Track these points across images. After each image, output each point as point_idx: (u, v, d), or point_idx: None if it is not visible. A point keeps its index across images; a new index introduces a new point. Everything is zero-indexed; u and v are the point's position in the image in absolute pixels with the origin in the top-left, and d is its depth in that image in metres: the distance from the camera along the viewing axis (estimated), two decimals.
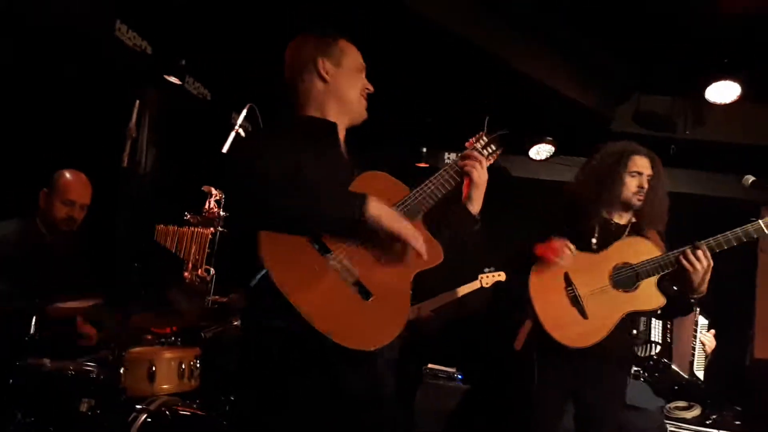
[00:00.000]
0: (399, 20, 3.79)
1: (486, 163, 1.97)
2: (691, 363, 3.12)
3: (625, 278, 2.61)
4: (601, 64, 4.39)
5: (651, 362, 2.81)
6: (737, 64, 3.98)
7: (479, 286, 4.18)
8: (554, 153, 5.17)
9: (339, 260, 1.65)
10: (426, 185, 1.85)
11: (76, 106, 3.67)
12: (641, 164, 2.65)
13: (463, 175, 1.92)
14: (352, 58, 1.92)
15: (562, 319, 2.51)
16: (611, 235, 2.64)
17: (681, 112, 4.69)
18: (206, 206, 3.62)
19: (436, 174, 1.90)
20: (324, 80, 1.88)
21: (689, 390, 3.13)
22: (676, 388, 4.19)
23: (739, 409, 4.54)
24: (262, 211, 1.62)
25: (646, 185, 2.61)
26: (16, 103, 3.35)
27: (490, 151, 2.01)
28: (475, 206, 1.96)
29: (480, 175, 1.92)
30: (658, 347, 2.83)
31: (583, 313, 2.54)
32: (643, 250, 2.65)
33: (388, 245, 1.68)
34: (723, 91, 4.13)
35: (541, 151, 5.21)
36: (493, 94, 4.71)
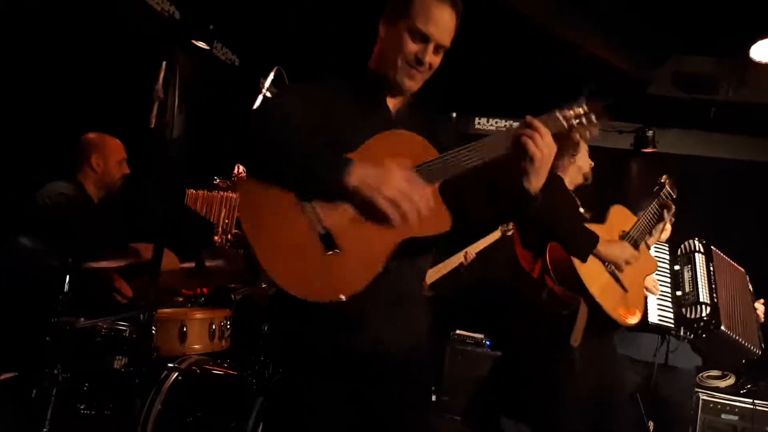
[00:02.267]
0: None
1: (575, 134, 1.75)
2: (758, 335, 3.04)
3: (632, 245, 2.59)
4: (638, 26, 4.21)
5: (702, 323, 2.74)
6: None
7: (498, 236, 4.09)
8: None
9: (314, 209, 1.60)
10: (459, 151, 1.67)
11: (103, 71, 3.68)
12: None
13: (517, 146, 1.66)
14: (415, 18, 1.68)
15: (614, 296, 2.48)
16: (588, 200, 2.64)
17: (723, 73, 4.49)
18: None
19: (482, 140, 1.69)
20: (380, 36, 1.78)
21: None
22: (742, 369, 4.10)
23: None
24: (251, 157, 1.64)
25: None
26: (43, 65, 3.38)
27: (584, 121, 1.76)
28: (534, 182, 1.68)
29: (539, 146, 1.64)
30: (708, 308, 2.76)
31: (623, 287, 2.51)
32: (627, 214, 2.68)
33: (373, 209, 1.58)
34: None
35: None
36: (524, 57, 4.60)
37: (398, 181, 1.58)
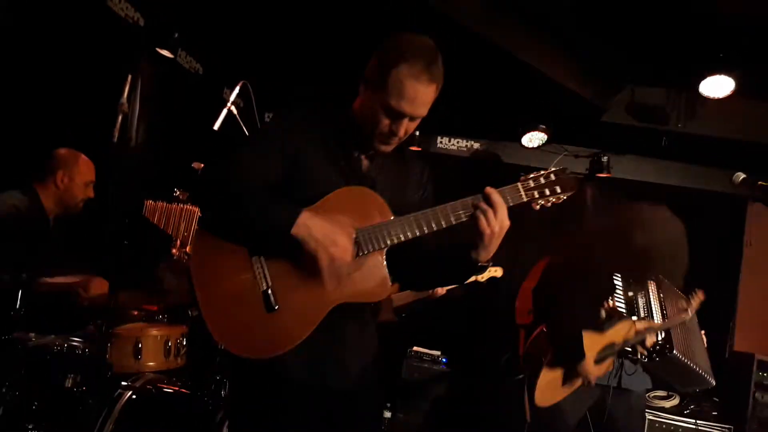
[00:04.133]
0: (397, 3, 3.75)
1: (535, 205, 1.70)
2: (710, 366, 3.18)
3: (604, 356, 2.76)
4: (597, 54, 4.37)
5: (657, 347, 2.85)
6: (732, 59, 3.97)
7: (475, 279, 4.17)
8: (546, 141, 5.17)
9: (261, 264, 1.65)
10: (408, 218, 1.68)
11: (65, 79, 3.60)
12: None
13: (470, 217, 1.66)
14: (389, 97, 1.65)
15: (549, 388, 2.66)
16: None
17: (674, 104, 4.69)
18: None
19: (437, 207, 1.69)
20: (360, 94, 1.77)
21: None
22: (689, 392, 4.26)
23: (716, 400, 4.64)
24: (207, 205, 1.71)
25: None
26: (4, 76, 3.29)
27: (549, 193, 1.70)
28: (482, 255, 1.68)
29: (489, 223, 1.63)
30: (663, 333, 2.88)
31: (563, 382, 2.70)
32: (628, 329, 2.84)
33: (314, 267, 1.62)
34: (717, 86, 4.13)
35: (533, 139, 5.20)
36: (487, 80, 4.69)
37: (345, 243, 1.62)
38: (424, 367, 4.91)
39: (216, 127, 3.26)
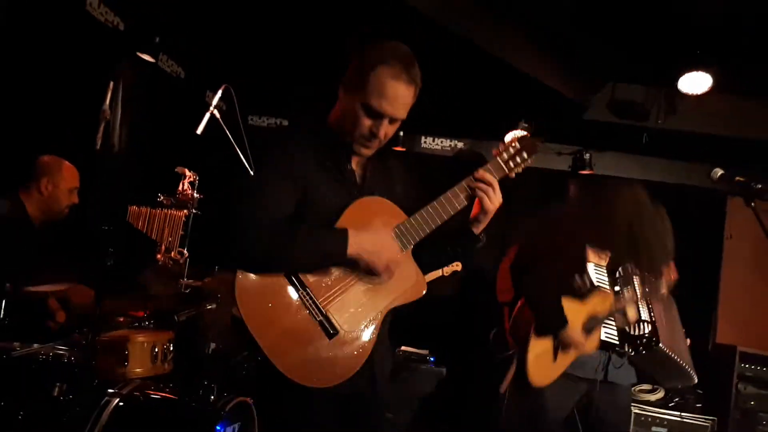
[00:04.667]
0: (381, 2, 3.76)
1: (512, 174, 1.86)
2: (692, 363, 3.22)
3: (591, 328, 2.81)
4: (578, 53, 4.41)
5: (643, 340, 2.90)
6: (709, 55, 4.04)
7: (441, 275, 4.26)
8: None
9: (311, 296, 1.67)
10: (426, 211, 1.78)
11: (46, 85, 3.57)
12: None
13: (472, 197, 1.82)
14: (370, 97, 1.68)
15: (541, 363, 2.66)
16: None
17: (654, 101, 4.75)
18: (180, 188, 3.57)
19: (440, 198, 1.80)
20: (339, 100, 1.79)
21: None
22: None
23: (700, 392, 4.71)
24: (240, 257, 1.66)
25: None
26: None
27: (519, 160, 1.87)
28: (481, 227, 1.87)
29: (492, 201, 1.81)
30: (649, 326, 2.92)
31: (555, 355, 2.72)
32: (607, 300, 2.87)
33: (365, 279, 1.70)
34: (695, 82, 4.20)
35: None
36: (470, 80, 4.72)
37: (390, 246, 1.70)
38: (412, 366, 4.92)
39: (199, 131, 3.26)
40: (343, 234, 1.66)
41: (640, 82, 4.78)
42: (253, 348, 1.63)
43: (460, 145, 5.78)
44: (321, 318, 1.66)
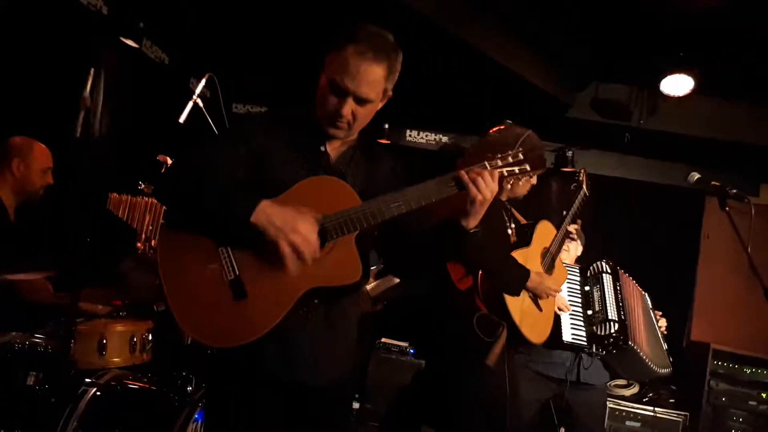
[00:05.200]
0: None
1: (494, 181, 1.74)
2: (665, 354, 3.25)
3: (549, 263, 2.76)
4: (562, 51, 4.44)
5: (611, 340, 2.92)
6: (691, 58, 4.09)
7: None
8: None
9: (228, 254, 1.66)
10: (377, 201, 1.70)
11: (25, 69, 3.51)
12: None
13: (458, 188, 1.73)
14: (337, 73, 1.68)
15: (530, 318, 2.59)
16: (517, 221, 2.79)
17: (637, 101, 4.80)
18: None
19: (406, 189, 1.72)
20: (318, 83, 1.77)
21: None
22: (647, 381, 4.38)
23: (674, 388, 4.81)
24: (170, 197, 1.73)
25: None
26: None
27: (519, 171, 1.77)
28: (471, 222, 1.77)
29: (480, 189, 1.71)
30: (616, 325, 2.94)
31: (539, 307, 2.64)
32: (550, 229, 2.81)
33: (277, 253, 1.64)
34: (677, 84, 4.26)
35: None
36: (456, 75, 4.73)
37: (306, 229, 1.62)
38: (392, 358, 4.95)
39: (182, 119, 3.23)
40: (254, 201, 1.61)
41: (624, 82, 4.82)
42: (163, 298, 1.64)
43: (444, 139, 5.80)
44: (232, 277, 1.64)
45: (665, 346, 3.27)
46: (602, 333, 2.95)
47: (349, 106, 1.71)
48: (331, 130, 1.77)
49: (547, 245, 2.77)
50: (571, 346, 2.93)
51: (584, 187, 2.94)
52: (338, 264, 1.70)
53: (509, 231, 2.74)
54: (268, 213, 1.60)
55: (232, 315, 1.64)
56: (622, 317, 2.97)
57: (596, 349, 2.94)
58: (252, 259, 1.66)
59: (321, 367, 1.78)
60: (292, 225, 1.60)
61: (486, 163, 1.78)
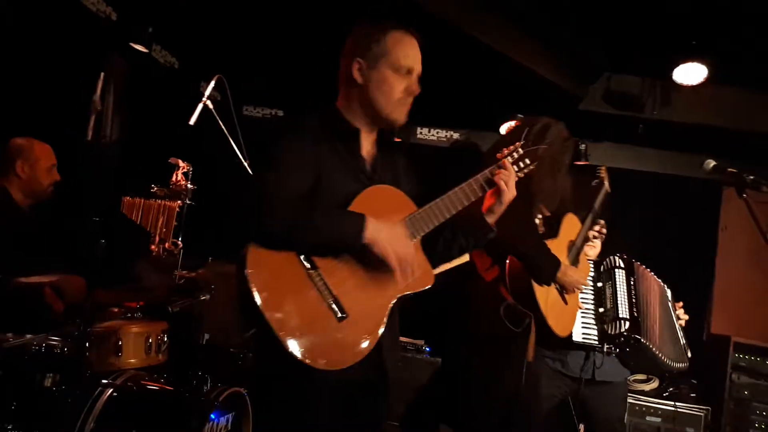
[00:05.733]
0: None
1: (514, 179, 1.87)
2: (682, 348, 3.19)
3: (574, 257, 2.74)
4: (573, 43, 4.40)
5: (622, 338, 2.88)
6: (704, 46, 4.02)
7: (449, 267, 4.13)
8: None
9: (320, 277, 1.65)
10: (441, 201, 1.79)
11: (36, 75, 3.55)
12: None
13: (490, 186, 1.84)
14: (396, 56, 1.76)
15: (556, 310, 2.58)
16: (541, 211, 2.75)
17: (649, 92, 4.74)
18: (173, 178, 3.56)
19: (455, 189, 1.82)
20: (357, 83, 1.79)
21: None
22: (666, 375, 4.32)
23: (694, 382, 4.73)
24: (258, 228, 1.62)
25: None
26: None
27: (522, 165, 1.91)
28: (494, 219, 1.89)
29: (510, 191, 1.84)
30: (627, 323, 2.89)
31: (564, 299, 2.62)
32: (575, 223, 2.81)
33: (375, 266, 1.68)
34: (690, 73, 4.19)
35: None
36: (466, 71, 4.71)
37: (404, 238, 1.69)
38: (408, 356, 4.93)
39: (192, 122, 3.24)
40: (361, 217, 1.64)
41: (636, 73, 4.76)
42: (260, 327, 1.58)
43: (455, 135, 5.77)
44: (331, 300, 1.64)
45: (683, 341, 3.21)
46: (613, 332, 2.91)
47: (416, 83, 1.80)
48: (400, 117, 1.82)
49: (573, 238, 2.75)
50: (582, 346, 2.90)
51: (606, 183, 2.92)
52: (415, 270, 1.74)
53: (537, 221, 2.72)
54: (375, 227, 1.64)
55: (340, 336, 1.65)
56: (635, 314, 2.92)
57: (608, 348, 2.90)
58: (342, 277, 1.68)
59: (388, 367, 1.80)
60: (396, 237, 1.67)
61: (504, 161, 1.87)
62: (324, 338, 1.64)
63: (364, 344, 1.68)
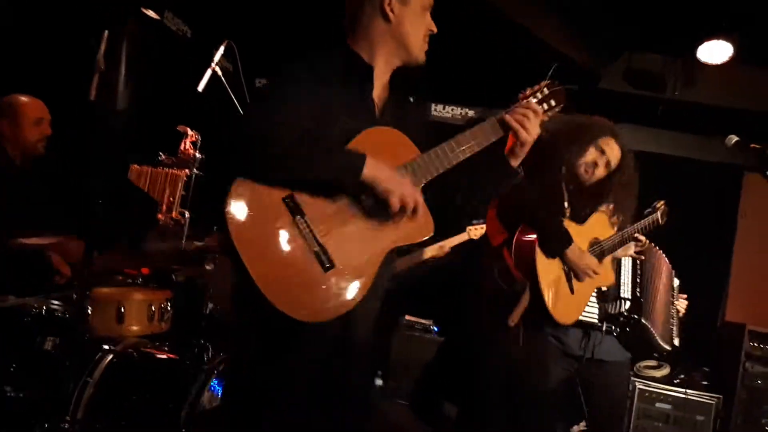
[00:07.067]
0: None
1: (538, 120, 1.77)
2: (671, 332, 3.13)
3: (596, 255, 2.66)
4: (593, 20, 4.27)
5: (622, 318, 2.82)
6: (731, 22, 3.87)
7: (467, 238, 4.02)
8: None
9: (307, 225, 1.58)
10: (442, 147, 1.71)
11: (46, 40, 3.50)
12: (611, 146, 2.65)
13: (503, 127, 1.76)
14: None
15: (558, 294, 2.51)
16: (580, 201, 2.65)
17: (671, 71, 4.59)
18: (181, 147, 3.52)
19: (464, 132, 1.75)
20: (387, 19, 1.75)
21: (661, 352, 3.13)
22: (656, 355, 4.26)
23: (707, 369, 4.65)
24: (258, 147, 1.54)
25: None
26: None
27: (547, 107, 1.82)
28: (517, 161, 1.81)
29: (529, 130, 1.74)
30: (628, 303, 2.84)
31: (571, 288, 2.56)
32: (606, 224, 2.73)
33: (369, 214, 1.61)
34: (715, 51, 4.04)
35: None
36: (483, 47, 4.60)
37: (406, 179, 1.62)
38: (416, 335, 4.91)
39: (200, 88, 3.19)
40: (360, 155, 1.57)
41: (658, 51, 4.61)
42: (242, 276, 1.52)
43: (471, 113, 5.67)
44: (317, 248, 1.57)
45: (674, 327, 3.15)
46: (614, 311, 2.85)
47: (432, 22, 1.81)
48: (422, 55, 1.80)
49: (601, 238, 2.68)
50: (581, 324, 2.83)
51: (659, 214, 2.84)
52: (411, 219, 1.65)
53: (565, 204, 2.64)
54: (376, 166, 1.57)
55: (325, 287, 1.58)
56: (637, 294, 2.86)
57: (607, 327, 2.83)
58: (330, 224, 1.60)
59: (356, 319, 1.70)
60: (399, 178, 1.60)
61: (525, 100, 1.81)
62: (307, 288, 1.56)
63: (350, 296, 1.60)
